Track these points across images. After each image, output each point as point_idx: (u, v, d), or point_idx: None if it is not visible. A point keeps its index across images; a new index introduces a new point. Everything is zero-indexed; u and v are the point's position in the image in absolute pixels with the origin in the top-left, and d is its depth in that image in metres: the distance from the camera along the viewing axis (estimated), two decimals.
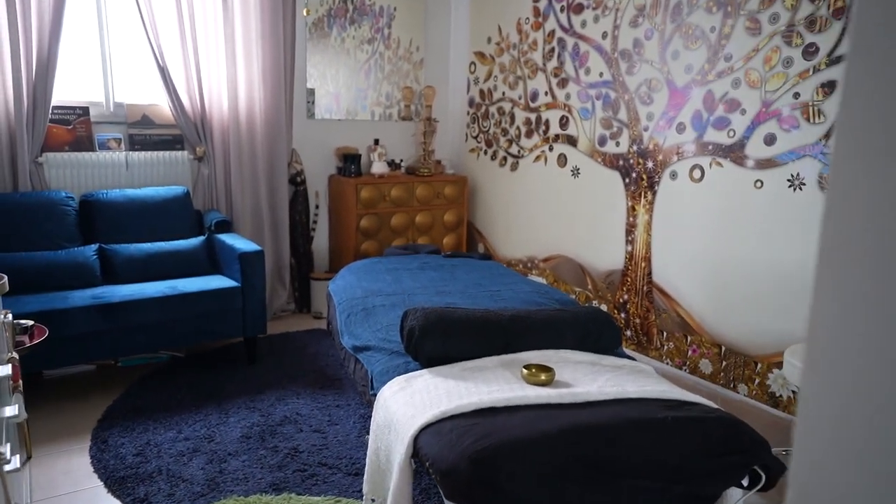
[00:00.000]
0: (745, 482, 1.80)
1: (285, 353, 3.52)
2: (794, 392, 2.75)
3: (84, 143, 3.45)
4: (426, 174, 4.39)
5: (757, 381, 2.90)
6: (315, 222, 4.34)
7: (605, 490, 1.64)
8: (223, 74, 3.71)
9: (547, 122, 3.97)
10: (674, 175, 3.19)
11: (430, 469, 1.65)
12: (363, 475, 2.01)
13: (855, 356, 0.40)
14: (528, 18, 4.04)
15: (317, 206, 4.34)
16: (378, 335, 2.43)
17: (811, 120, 2.61)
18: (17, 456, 1.41)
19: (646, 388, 1.96)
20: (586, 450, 1.64)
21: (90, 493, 2.25)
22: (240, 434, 2.64)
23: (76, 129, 3.43)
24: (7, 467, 1.28)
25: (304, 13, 4.04)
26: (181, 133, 3.69)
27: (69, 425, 2.70)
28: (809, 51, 2.59)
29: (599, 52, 3.55)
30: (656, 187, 3.29)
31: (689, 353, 3.20)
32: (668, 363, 3.31)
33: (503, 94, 4.31)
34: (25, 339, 2.35)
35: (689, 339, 3.19)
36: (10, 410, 1.49)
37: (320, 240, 4.41)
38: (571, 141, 3.79)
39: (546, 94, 3.96)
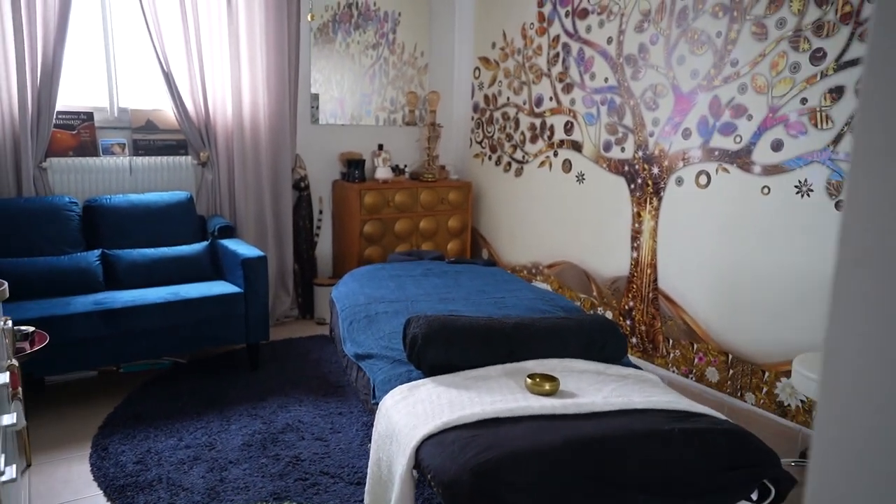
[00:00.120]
0: (754, 496, 1.77)
1: (288, 360, 3.50)
2: (802, 401, 2.71)
3: (88, 148, 3.45)
4: (430, 180, 4.37)
5: (765, 389, 2.86)
6: (319, 228, 4.33)
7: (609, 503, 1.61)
8: (227, 79, 3.71)
9: (552, 127, 3.94)
10: (680, 181, 3.16)
11: (431, 481, 1.62)
12: (365, 485, 1.99)
13: (877, 367, 0.38)
14: (532, 23, 4.02)
15: (320, 212, 4.33)
16: (381, 343, 2.41)
17: (819, 126, 2.57)
18: (14, 466, 1.39)
19: (652, 398, 1.93)
20: (591, 462, 1.61)
21: (89, 502, 2.23)
22: (241, 442, 2.62)
23: (80, 134, 3.43)
24: (2, 478, 1.26)
25: (309, 18, 4.04)
26: (185, 138, 3.69)
27: (70, 432, 2.69)
28: (817, 56, 2.56)
29: (604, 57, 3.53)
30: (662, 193, 3.26)
31: (696, 361, 3.16)
32: (674, 371, 3.27)
33: (508, 99, 4.29)
34: (26, 345, 2.34)
35: (695, 346, 3.16)
36: (9, 419, 1.47)
37: (324, 245, 4.39)
38: (576, 146, 3.77)
39: (551, 99, 3.93)
